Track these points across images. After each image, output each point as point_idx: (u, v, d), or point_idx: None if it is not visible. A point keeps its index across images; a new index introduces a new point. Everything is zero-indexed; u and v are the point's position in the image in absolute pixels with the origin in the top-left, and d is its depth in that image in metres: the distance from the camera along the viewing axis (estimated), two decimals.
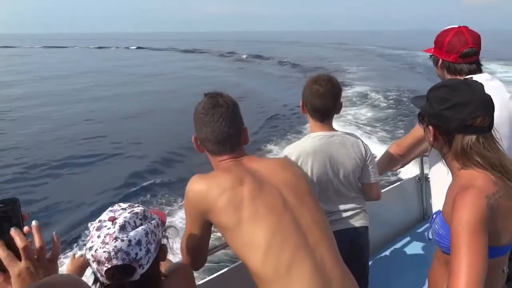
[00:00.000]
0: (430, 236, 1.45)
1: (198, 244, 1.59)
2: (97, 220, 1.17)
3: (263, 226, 1.41)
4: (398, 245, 3.23)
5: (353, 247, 2.05)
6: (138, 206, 1.23)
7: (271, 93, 21.17)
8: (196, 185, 1.51)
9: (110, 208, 1.22)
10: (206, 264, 1.67)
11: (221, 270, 2.14)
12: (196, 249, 1.60)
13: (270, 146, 11.72)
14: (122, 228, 1.13)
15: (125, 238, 1.11)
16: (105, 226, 1.14)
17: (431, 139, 1.43)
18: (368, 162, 2.13)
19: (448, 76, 2.12)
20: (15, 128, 14.44)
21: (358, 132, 12.40)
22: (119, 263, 1.10)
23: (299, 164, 1.99)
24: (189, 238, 1.57)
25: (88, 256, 1.13)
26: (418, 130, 2.20)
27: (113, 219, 1.15)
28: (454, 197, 1.30)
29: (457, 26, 2.12)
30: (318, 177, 2.03)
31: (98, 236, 1.12)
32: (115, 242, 1.10)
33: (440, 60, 2.12)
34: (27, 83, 26.31)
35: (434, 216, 1.45)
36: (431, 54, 2.21)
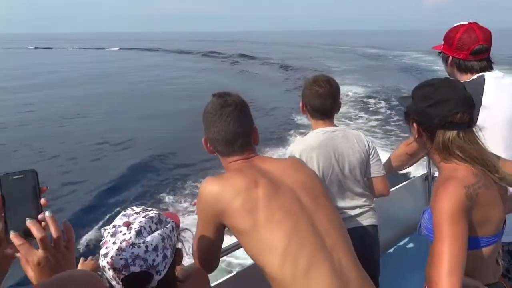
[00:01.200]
0: (421, 231, 1.49)
1: (211, 247, 1.57)
2: (111, 225, 1.14)
3: (279, 229, 1.39)
4: (406, 244, 3.22)
5: (362, 246, 2.03)
6: (152, 210, 1.19)
7: (262, 91, 21.16)
8: (210, 187, 1.49)
9: (123, 213, 1.18)
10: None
11: (232, 271, 2.12)
12: (209, 252, 1.58)
13: (271, 146, 11.68)
14: (138, 233, 1.09)
15: (142, 244, 1.08)
16: (120, 232, 1.10)
17: (416, 136, 1.49)
18: (372, 156, 2.14)
19: (458, 74, 2.09)
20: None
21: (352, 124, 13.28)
22: (136, 270, 1.07)
23: (304, 159, 1.99)
24: (201, 241, 1.55)
25: (103, 263, 1.09)
26: None
27: (128, 224, 1.11)
28: (436, 189, 1.35)
29: (467, 22, 2.08)
30: (324, 172, 2.03)
31: (114, 243, 1.08)
32: (132, 248, 1.07)
33: (450, 58, 2.09)
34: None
35: (424, 211, 1.49)
36: (440, 51, 2.17)
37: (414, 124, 1.47)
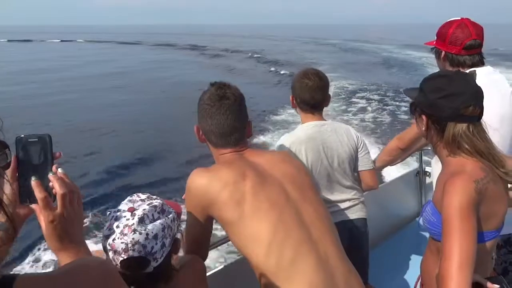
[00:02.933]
0: (422, 224, 1.48)
1: (200, 238, 1.57)
2: (116, 209, 1.19)
3: (265, 220, 1.39)
4: (397, 238, 3.24)
5: (351, 240, 2.05)
6: (156, 198, 1.24)
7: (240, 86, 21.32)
8: (198, 179, 1.48)
9: (129, 198, 1.23)
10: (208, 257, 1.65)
11: (222, 264, 2.12)
12: (198, 243, 1.58)
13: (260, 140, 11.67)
14: (141, 220, 1.15)
15: (143, 231, 1.13)
16: (124, 217, 1.15)
17: (423, 128, 1.47)
18: (361, 149, 2.15)
19: (451, 69, 2.10)
20: None
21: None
22: (135, 255, 1.12)
23: (293, 151, 2.00)
24: (190, 233, 1.56)
25: (105, 244, 1.14)
26: None
27: (132, 210, 1.16)
28: (444, 184, 1.34)
29: (459, 18, 2.10)
30: (313, 165, 2.04)
31: (117, 226, 1.14)
32: (133, 234, 1.12)
33: (443, 52, 2.10)
34: None
35: (425, 204, 1.48)
36: (433, 46, 2.19)
37: (423, 116, 1.44)
